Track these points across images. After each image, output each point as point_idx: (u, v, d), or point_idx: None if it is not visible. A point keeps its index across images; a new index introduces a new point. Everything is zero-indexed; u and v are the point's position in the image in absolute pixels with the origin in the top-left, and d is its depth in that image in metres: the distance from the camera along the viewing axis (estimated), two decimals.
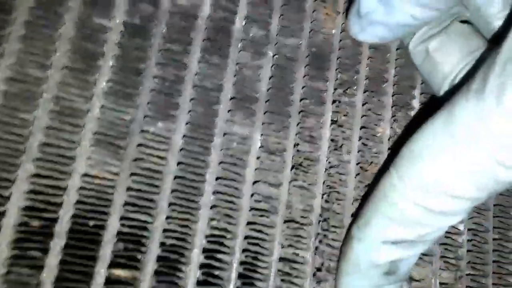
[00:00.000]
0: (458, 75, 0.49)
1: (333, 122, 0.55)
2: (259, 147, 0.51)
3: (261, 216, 0.49)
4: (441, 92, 0.51)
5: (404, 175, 0.42)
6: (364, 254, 0.45)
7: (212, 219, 0.47)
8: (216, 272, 0.46)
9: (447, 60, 0.50)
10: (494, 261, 0.58)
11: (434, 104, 0.47)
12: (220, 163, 0.49)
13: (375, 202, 0.44)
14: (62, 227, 0.42)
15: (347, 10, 0.57)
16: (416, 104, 0.59)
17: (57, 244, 0.42)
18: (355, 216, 0.50)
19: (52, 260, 0.41)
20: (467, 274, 0.56)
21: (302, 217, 0.51)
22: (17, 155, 0.42)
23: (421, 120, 0.44)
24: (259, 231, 0.49)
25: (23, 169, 0.42)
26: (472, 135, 0.37)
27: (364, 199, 0.49)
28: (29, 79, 0.44)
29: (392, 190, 0.42)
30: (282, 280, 0.48)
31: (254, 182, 0.50)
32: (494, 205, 0.60)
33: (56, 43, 0.45)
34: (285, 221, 0.50)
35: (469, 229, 0.58)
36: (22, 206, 0.41)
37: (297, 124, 0.53)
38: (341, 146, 0.54)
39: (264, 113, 0.52)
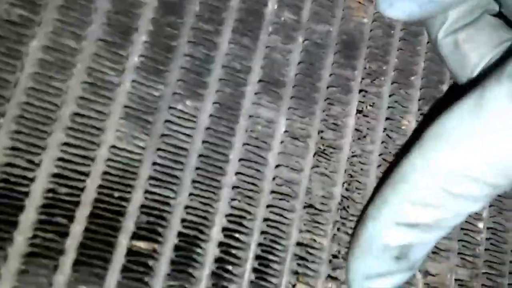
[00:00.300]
0: (487, 65, 0.48)
1: (359, 111, 0.55)
2: (284, 132, 0.51)
3: (281, 200, 0.50)
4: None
5: (427, 156, 0.41)
6: (377, 235, 0.45)
7: (233, 199, 0.48)
8: (234, 251, 0.47)
9: (476, 50, 0.49)
10: (511, 261, 0.57)
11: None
12: (244, 144, 0.49)
13: (394, 183, 0.43)
14: (88, 197, 0.43)
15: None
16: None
17: (82, 213, 0.43)
18: (372, 197, 0.49)
19: (77, 228, 0.42)
20: (483, 273, 0.55)
21: (321, 203, 0.51)
22: (49, 123, 0.43)
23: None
24: (279, 214, 0.49)
25: (54, 137, 0.43)
26: (504, 120, 0.36)
27: (382, 182, 0.48)
28: (64, 49, 0.44)
29: (413, 171, 0.42)
30: (298, 265, 0.49)
31: (277, 166, 0.50)
32: None
33: (92, 15, 0.46)
34: (305, 207, 0.50)
35: (488, 228, 0.57)
36: (51, 173, 0.42)
37: (323, 111, 0.53)
38: (365, 136, 0.54)
39: (291, 98, 0.52)
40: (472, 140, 0.39)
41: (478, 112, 0.38)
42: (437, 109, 0.58)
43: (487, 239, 0.57)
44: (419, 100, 0.57)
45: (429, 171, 0.41)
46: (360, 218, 0.49)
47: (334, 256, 0.50)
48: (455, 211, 0.42)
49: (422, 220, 0.43)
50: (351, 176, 0.53)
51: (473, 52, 0.50)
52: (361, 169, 0.53)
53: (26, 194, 0.41)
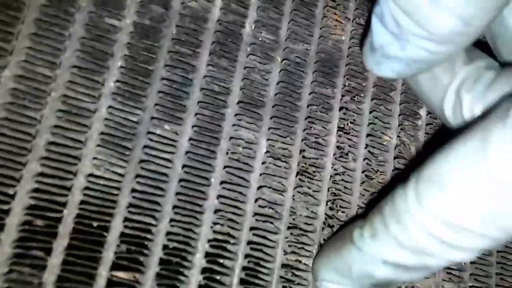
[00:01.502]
0: (462, 84, 0.48)
1: (340, 129, 0.54)
2: (265, 152, 0.51)
3: (265, 221, 0.49)
4: (445, 108, 0.50)
5: (423, 200, 0.38)
6: (360, 265, 0.44)
7: (215, 224, 0.47)
8: (218, 277, 0.46)
9: (447, 71, 0.49)
10: (497, 274, 0.57)
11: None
12: (225, 167, 0.49)
13: (386, 219, 0.41)
14: (65, 227, 0.42)
15: (362, 40, 0.56)
16: (423, 113, 0.59)
17: (60, 244, 0.41)
18: (360, 216, 0.48)
19: (55, 260, 0.41)
20: (470, 286, 0.55)
21: (306, 224, 0.50)
22: (23, 153, 0.42)
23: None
24: (263, 236, 0.48)
25: (29, 168, 0.42)
26: (510, 170, 0.33)
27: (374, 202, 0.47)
28: (37, 77, 0.44)
29: (407, 214, 0.39)
30: (284, 287, 0.48)
31: (259, 188, 0.49)
32: None
33: (65, 42, 0.45)
34: (289, 228, 0.50)
35: None
36: (27, 205, 0.41)
37: (304, 130, 0.53)
38: (347, 154, 0.54)
39: (271, 118, 0.52)
40: (473, 189, 0.36)
41: (483, 156, 0.35)
42: (417, 125, 0.58)
43: None
44: (399, 115, 0.58)
45: (424, 218, 0.38)
46: (345, 230, 0.48)
47: None
48: (445, 259, 0.40)
49: (410, 263, 0.41)
50: (335, 195, 0.52)
51: (444, 72, 0.49)
52: (345, 187, 0.53)
53: (1, 227, 0.40)
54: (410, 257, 0.40)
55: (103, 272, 0.42)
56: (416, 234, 0.38)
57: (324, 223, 0.51)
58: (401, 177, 0.44)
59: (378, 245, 0.41)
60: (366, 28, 0.57)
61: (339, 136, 0.54)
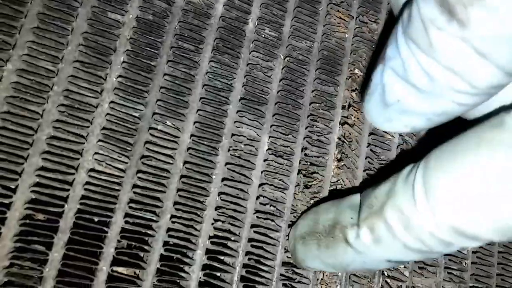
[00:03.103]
0: None
1: (342, 127, 0.54)
2: (267, 150, 0.51)
3: (266, 219, 0.49)
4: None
5: (435, 205, 0.34)
6: (360, 263, 0.42)
7: (216, 220, 0.47)
8: (218, 274, 0.46)
9: None
10: (498, 274, 0.57)
11: None
12: (227, 164, 0.49)
13: (392, 225, 0.37)
14: (66, 222, 0.42)
15: (362, 89, 0.54)
16: None
17: (61, 239, 0.41)
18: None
19: (56, 255, 0.41)
20: (470, 286, 0.55)
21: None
22: (25, 147, 0.42)
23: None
24: (264, 234, 0.48)
25: (30, 162, 0.42)
26: None
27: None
28: (40, 72, 0.43)
29: (417, 220, 0.35)
30: (284, 285, 0.48)
31: (260, 185, 0.49)
32: None
33: (68, 36, 0.45)
34: (290, 225, 0.50)
35: None
36: (28, 199, 0.41)
37: (306, 128, 0.52)
38: (349, 152, 0.54)
39: (273, 116, 0.51)
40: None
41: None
42: None
43: (473, 252, 0.57)
44: None
45: (435, 224, 0.34)
46: (330, 232, 0.44)
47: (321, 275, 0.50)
48: (441, 253, 0.38)
49: (408, 259, 0.39)
50: (336, 193, 0.52)
51: None
52: (346, 185, 0.53)
53: (2, 221, 0.40)
54: (417, 256, 0.38)
55: (103, 267, 0.42)
56: (428, 239, 0.35)
57: None
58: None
59: (383, 249, 0.39)
60: (366, 78, 0.55)
61: (342, 134, 0.54)
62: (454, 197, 0.33)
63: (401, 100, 0.40)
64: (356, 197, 0.44)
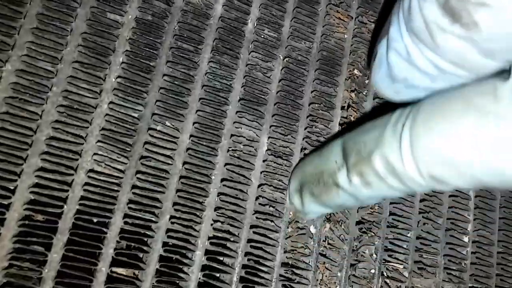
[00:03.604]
0: None
1: (342, 127, 0.54)
2: (266, 150, 0.50)
3: (265, 220, 0.49)
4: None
5: (420, 147, 0.36)
6: (351, 202, 0.45)
7: (216, 221, 0.47)
8: (218, 275, 0.46)
9: None
10: (497, 275, 0.57)
11: None
12: (226, 164, 0.48)
13: (380, 172, 0.39)
14: (65, 223, 0.42)
15: (368, 60, 0.55)
16: None
17: (60, 240, 0.41)
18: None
19: (55, 256, 0.41)
20: (470, 287, 0.55)
21: (306, 222, 0.50)
22: (24, 148, 0.42)
23: None
24: (263, 235, 0.48)
25: (29, 162, 0.42)
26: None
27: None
28: (39, 72, 0.43)
29: (402, 166, 0.38)
30: (284, 286, 0.48)
31: (260, 185, 0.49)
32: (500, 218, 0.59)
33: (67, 37, 0.45)
34: (289, 226, 0.50)
35: (473, 242, 0.57)
36: (27, 200, 0.41)
37: (305, 129, 0.52)
38: None
39: (272, 116, 0.51)
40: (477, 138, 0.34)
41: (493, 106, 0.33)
42: None
43: (472, 252, 0.57)
44: None
45: (419, 165, 0.37)
46: (321, 176, 0.46)
47: (320, 277, 0.50)
48: (430, 189, 0.40)
49: (399, 194, 0.42)
50: None
51: None
52: None
53: (1, 222, 0.40)
54: (400, 193, 0.41)
55: (102, 268, 0.42)
56: (410, 183, 0.38)
57: (324, 221, 0.51)
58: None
59: (371, 190, 0.42)
60: (372, 47, 0.56)
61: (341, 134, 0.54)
62: (437, 155, 0.36)
63: (408, 78, 0.42)
64: (336, 143, 0.46)
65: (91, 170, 0.44)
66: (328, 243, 0.51)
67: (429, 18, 0.34)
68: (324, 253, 0.50)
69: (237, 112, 0.50)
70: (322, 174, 0.45)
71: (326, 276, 0.50)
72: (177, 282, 0.44)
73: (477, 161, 0.34)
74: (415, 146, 0.37)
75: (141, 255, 0.44)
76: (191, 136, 0.48)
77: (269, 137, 0.51)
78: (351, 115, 0.55)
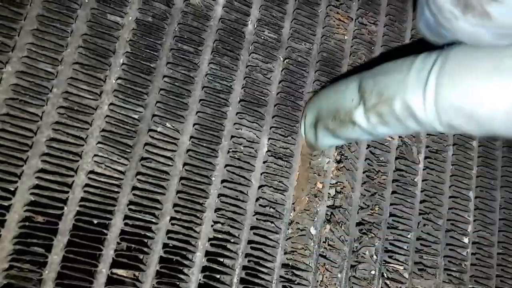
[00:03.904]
0: None
1: None
2: (266, 152, 0.50)
3: (266, 221, 0.49)
4: None
5: (442, 102, 0.38)
6: (365, 137, 0.47)
7: (216, 222, 0.47)
8: (218, 276, 0.46)
9: None
10: (497, 275, 0.57)
11: None
12: (226, 166, 0.48)
13: (399, 114, 0.41)
14: (66, 224, 0.42)
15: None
16: None
17: (60, 241, 0.41)
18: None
19: (55, 257, 0.41)
20: None
21: (306, 224, 0.50)
22: (24, 149, 0.42)
23: None
24: (263, 236, 0.48)
25: (30, 164, 0.42)
26: None
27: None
28: (40, 74, 0.43)
29: (424, 111, 0.39)
30: (284, 287, 0.48)
31: (260, 187, 0.49)
32: (500, 219, 0.59)
33: (67, 38, 0.45)
34: (289, 227, 0.50)
35: (473, 243, 0.57)
36: (27, 202, 0.41)
37: None
38: (348, 154, 0.54)
39: (273, 117, 0.51)
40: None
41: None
42: None
43: (472, 254, 0.57)
44: None
45: (442, 110, 0.39)
46: (337, 112, 0.47)
47: (321, 277, 0.50)
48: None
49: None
50: (336, 195, 0.52)
51: None
52: (346, 187, 0.53)
53: (2, 223, 0.40)
54: (416, 131, 0.44)
55: (103, 270, 0.42)
56: (428, 127, 0.40)
57: (324, 222, 0.51)
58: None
59: (387, 129, 0.43)
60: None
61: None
62: (461, 109, 0.37)
63: (453, 32, 0.42)
64: (352, 81, 0.47)
65: (92, 172, 0.44)
66: (329, 244, 0.51)
67: (442, 6, 0.38)
68: (324, 254, 0.50)
69: (237, 113, 0.50)
70: (338, 112, 0.47)
71: (326, 277, 0.50)
72: (177, 283, 0.44)
73: (500, 117, 0.36)
74: (440, 98, 0.38)
75: (141, 256, 0.44)
76: (191, 137, 0.48)
77: (269, 138, 0.51)
78: None
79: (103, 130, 0.45)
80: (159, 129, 0.47)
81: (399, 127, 0.42)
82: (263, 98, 0.52)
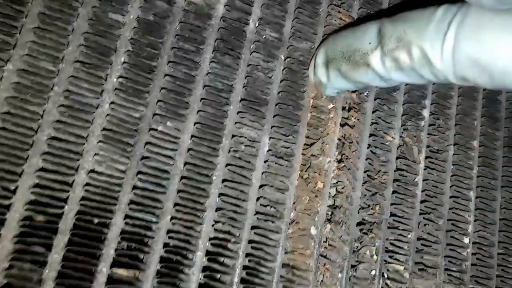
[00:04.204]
0: None
1: (343, 128, 0.54)
2: (267, 151, 0.50)
3: (266, 220, 0.49)
4: None
5: (459, 56, 0.39)
6: (375, 82, 0.47)
7: (216, 222, 0.47)
8: (218, 276, 0.46)
9: None
10: (497, 276, 0.57)
11: None
12: (227, 165, 0.48)
13: (417, 65, 0.42)
14: (66, 224, 0.42)
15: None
16: (426, 114, 0.59)
17: (61, 241, 0.41)
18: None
19: (55, 256, 0.41)
20: None
21: (307, 223, 0.50)
22: (25, 148, 0.42)
23: None
24: (264, 235, 0.48)
25: (30, 162, 0.41)
26: None
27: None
28: (40, 72, 0.43)
29: (437, 61, 0.40)
30: (284, 287, 0.48)
31: (261, 186, 0.49)
32: (500, 219, 0.59)
33: (69, 36, 0.45)
34: (290, 227, 0.49)
35: (473, 243, 0.57)
36: (28, 201, 0.41)
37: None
38: (349, 154, 0.54)
39: (274, 117, 0.51)
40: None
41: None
42: (420, 126, 0.58)
43: (473, 254, 0.57)
44: (402, 115, 0.58)
45: (458, 64, 0.39)
46: (352, 53, 0.48)
47: (321, 277, 0.50)
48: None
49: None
50: (337, 195, 0.52)
51: None
52: (347, 187, 0.53)
53: (2, 222, 0.40)
54: (429, 81, 0.44)
55: (103, 269, 0.42)
56: (441, 78, 0.41)
57: (325, 222, 0.51)
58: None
59: (401, 75, 0.44)
60: None
61: (342, 135, 0.54)
62: (478, 63, 0.38)
63: None
64: (372, 25, 0.47)
65: (92, 171, 0.43)
66: (329, 244, 0.51)
67: None
68: (324, 254, 0.50)
69: (238, 112, 0.50)
70: (354, 53, 0.47)
71: (326, 277, 0.50)
72: (178, 283, 0.44)
73: None
74: (458, 51, 0.39)
75: (141, 256, 0.44)
76: (192, 136, 0.47)
77: (270, 138, 0.51)
78: (353, 116, 0.55)
79: (104, 129, 0.44)
80: (160, 128, 0.47)
81: (413, 74, 0.43)
82: (264, 97, 0.51)
